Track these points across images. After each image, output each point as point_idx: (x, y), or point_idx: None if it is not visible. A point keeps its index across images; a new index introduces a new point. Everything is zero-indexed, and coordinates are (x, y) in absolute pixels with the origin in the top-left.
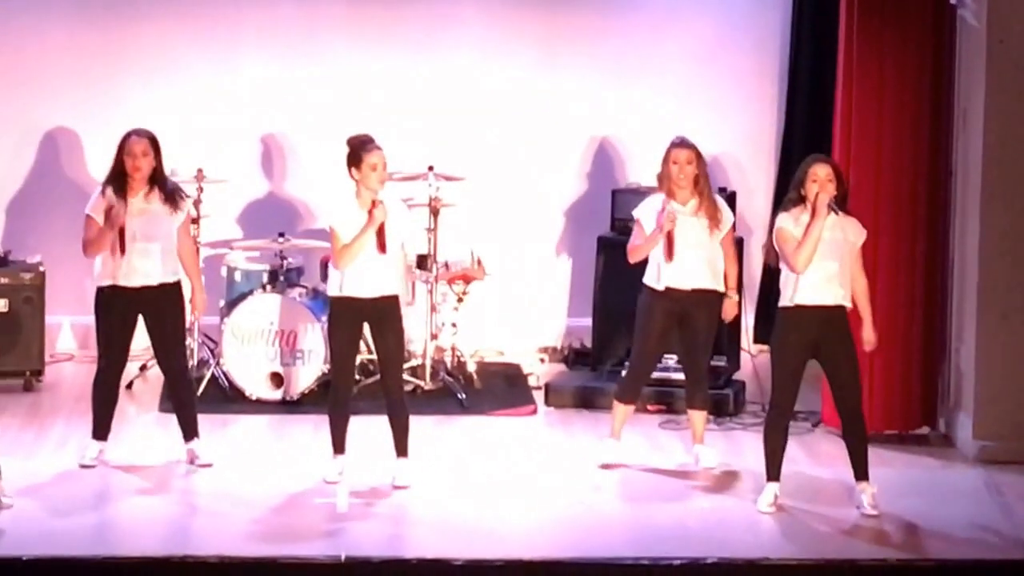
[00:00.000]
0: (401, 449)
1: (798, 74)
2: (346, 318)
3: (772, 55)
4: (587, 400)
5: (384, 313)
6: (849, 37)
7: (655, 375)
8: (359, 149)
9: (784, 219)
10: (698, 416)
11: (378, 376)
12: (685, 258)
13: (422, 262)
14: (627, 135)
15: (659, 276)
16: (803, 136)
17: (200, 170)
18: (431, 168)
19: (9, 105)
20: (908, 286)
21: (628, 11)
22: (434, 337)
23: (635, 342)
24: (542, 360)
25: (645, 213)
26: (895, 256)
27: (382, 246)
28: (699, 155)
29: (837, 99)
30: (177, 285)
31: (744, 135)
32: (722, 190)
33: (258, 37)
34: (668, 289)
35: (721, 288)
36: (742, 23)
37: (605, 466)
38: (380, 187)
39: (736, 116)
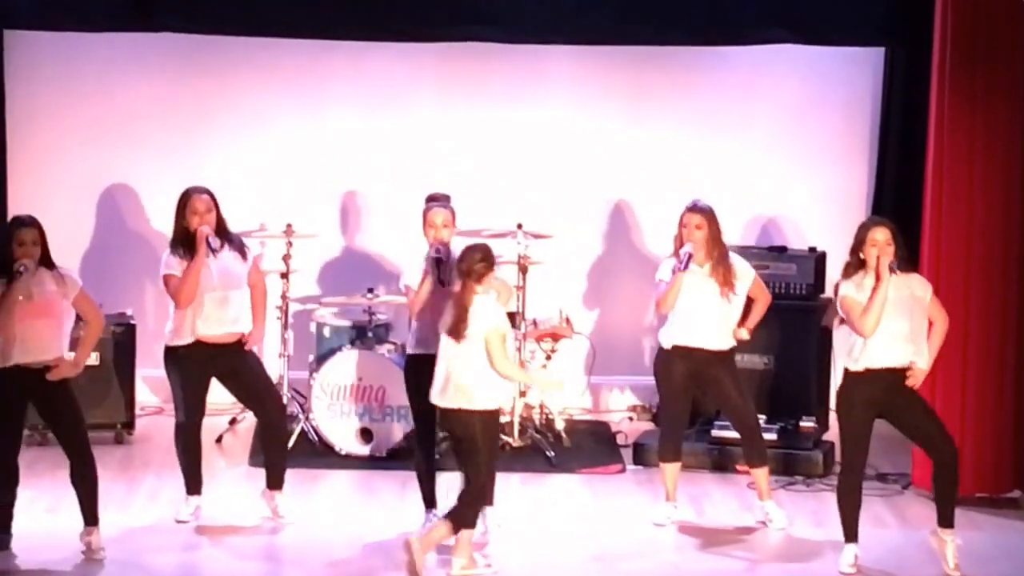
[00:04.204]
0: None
1: (889, 132)
2: (419, 376)
3: (863, 113)
4: None
5: None
6: (940, 95)
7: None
8: (425, 206)
9: (847, 287)
10: (759, 473)
11: None
12: (694, 317)
13: (511, 320)
14: (716, 193)
15: (669, 335)
16: (894, 195)
17: (289, 225)
18: (520, 226)
19: (96, 159)
20: (1000, 347)
21: (717, 68)
22: (522, 394)
23: (660, 404)
24: (630, 418)
25: (664, 273)
26: (987, 317)
27: (441, 281)
28: (711, 220)
29: (928, 158)
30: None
31: (834, 194)
32: (811, 250)
33: (346, 92)
34: (677, 348)
35: (732, 344)
36: (832, 80)
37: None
38: (438, 244)
39: (826, 174)
